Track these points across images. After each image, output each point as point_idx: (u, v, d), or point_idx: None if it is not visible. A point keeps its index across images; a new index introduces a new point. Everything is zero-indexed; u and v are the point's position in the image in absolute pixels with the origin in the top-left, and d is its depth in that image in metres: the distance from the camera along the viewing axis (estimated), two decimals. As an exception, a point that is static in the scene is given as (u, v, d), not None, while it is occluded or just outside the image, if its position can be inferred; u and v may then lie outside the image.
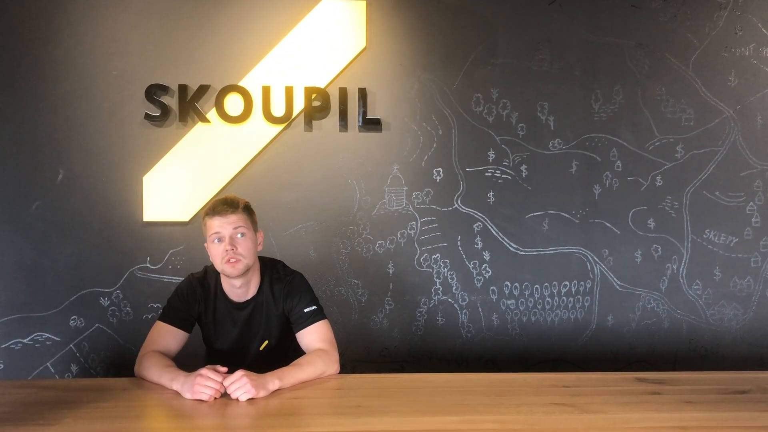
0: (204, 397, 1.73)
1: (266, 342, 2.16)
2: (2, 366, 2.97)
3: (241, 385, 1.75)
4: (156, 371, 1.90)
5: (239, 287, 2.12)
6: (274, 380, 1.82)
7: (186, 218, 3.00)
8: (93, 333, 3.00)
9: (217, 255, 2.03)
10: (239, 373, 1.77)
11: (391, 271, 3.10)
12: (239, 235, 2.03)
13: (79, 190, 2.98)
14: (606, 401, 1.76)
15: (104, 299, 3.00)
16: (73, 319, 2.99)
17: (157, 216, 2.99)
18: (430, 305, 3.13)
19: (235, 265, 2.01)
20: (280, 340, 2.19)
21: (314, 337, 2.08)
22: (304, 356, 2.02)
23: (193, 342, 2.18)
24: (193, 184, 3.00)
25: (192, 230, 3.00)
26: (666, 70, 3.15)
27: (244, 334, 2.17)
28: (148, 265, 3.02)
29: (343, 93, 3.03)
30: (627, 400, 1.77)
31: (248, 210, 2.12)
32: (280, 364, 1.94)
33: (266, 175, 3.04)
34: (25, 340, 2.97)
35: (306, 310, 2.10)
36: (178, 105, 2.99)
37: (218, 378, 1.76)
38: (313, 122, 3.05)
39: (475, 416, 1.63)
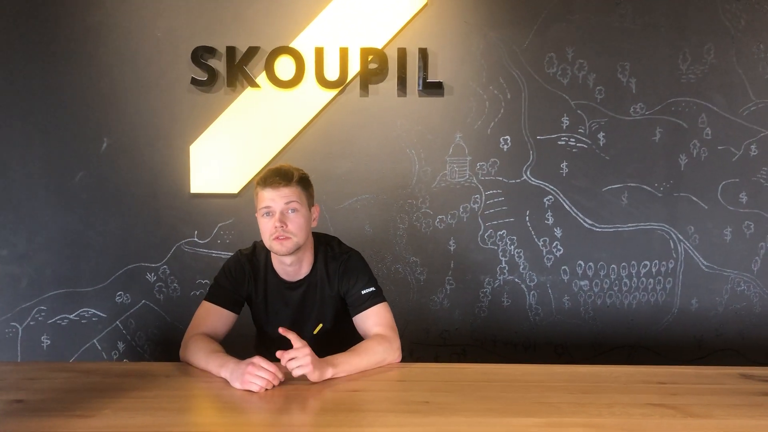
0: (254, 388, 1.58)
1: (320, 325, 2.01)
2: (49, 342, 2.90)
3: (302, 359, 1.62)
4: (203, 356, 1.76)
5: (290, 265, 1.96)
6: (327, 368, 1.68)
7: (235, 190, 2.85)
8: (139, 309, 2.89)
9: (266, 230, 1.88)
10: (306, 349, 1.64)
11: (452, 249, 2.90)
12: (290, 211, 1.87)
13: (123, 160, 2.86)
14: (710, 402, 1.55)
15: (151, 274, 2.89)
16: (119, 295, 2.89)
17: (204, 187, 2.85)
18: (495, 285, 2.92)
19: (283, 243, 1.86)
20: (336, 323, 2.03)
21: (373, 321, 1.92)
22: (361, 342, 1.86)
23: (244, 326, 2.03)
24: (242, 153, 2.84)
25: (241, 203, 2.85)
26: (765, 25, 2.82)
27: (297, 316, 2.02)
28: (196, 239, 2.88)
29: (402, 54, 2.81)
30: (735, 402, 1.56)
31: (304, 183, 1.93)
32: (337, 349, 1.79)
33: (319, 144, 2.86)
34: (71, 316, 2.89)
35: (363, 292, 1.94)
36: (226, 69, 2.81)
37: (271, 368, 1.61)
38: (370, 86, 2.84)
39: (560, 418, 1.43)
